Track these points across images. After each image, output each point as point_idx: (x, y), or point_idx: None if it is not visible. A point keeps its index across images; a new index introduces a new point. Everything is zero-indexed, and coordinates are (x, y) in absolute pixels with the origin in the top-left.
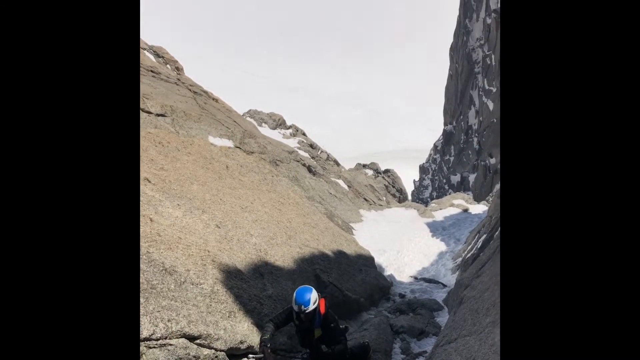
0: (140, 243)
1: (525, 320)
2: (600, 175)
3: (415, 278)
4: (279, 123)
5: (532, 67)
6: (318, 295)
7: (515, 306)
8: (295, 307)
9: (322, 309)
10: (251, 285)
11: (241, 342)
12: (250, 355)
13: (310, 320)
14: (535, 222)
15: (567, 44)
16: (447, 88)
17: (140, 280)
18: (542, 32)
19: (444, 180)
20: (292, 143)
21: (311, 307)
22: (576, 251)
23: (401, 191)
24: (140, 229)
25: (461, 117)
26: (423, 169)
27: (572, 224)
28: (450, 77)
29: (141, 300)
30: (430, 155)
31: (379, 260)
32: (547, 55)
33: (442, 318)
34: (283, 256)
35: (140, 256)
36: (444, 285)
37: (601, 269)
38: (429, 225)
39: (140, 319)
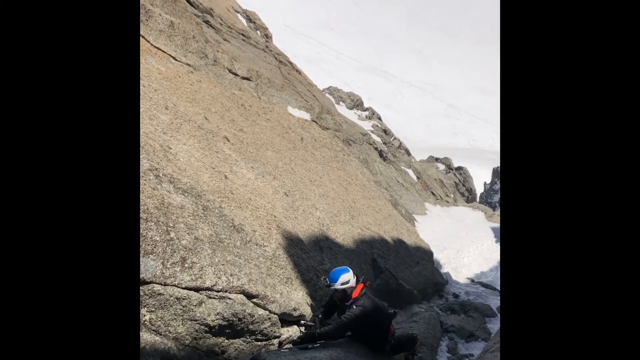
0: (214, 197)
1: (525, 323)
2: (602, 177)
3: (472, 280)
4: (356, 104)
5: (532, 68)
6: (356, 279)
7: (516, 310)
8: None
9: (356, 293)
10: (310, 257)
11: (294, 309)
12: (302, 322)
13: (344, 300)
14: (536, 223)
15: (567, 45)
16: None
17: (210, 232)
18: (542, 31)
19: None
20: (367, 125)
21: (337, 285)
22: (577, 254)
23: (471, 191)
24: (215, 185)
25: None
26: (496, 173)
27: (574, 226)
28: None
29: (208, 251)
30: None
31: (437, 256)
32: (548, 54)
33: (494, 325)
34: (344, 234)
35: (213, 209)
36: None
37: (605, 272)
38: (494, 230)
39: (206, 269)
